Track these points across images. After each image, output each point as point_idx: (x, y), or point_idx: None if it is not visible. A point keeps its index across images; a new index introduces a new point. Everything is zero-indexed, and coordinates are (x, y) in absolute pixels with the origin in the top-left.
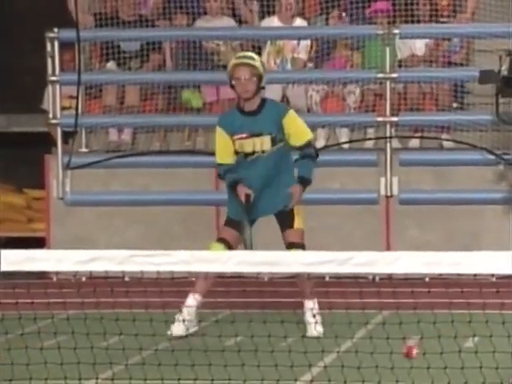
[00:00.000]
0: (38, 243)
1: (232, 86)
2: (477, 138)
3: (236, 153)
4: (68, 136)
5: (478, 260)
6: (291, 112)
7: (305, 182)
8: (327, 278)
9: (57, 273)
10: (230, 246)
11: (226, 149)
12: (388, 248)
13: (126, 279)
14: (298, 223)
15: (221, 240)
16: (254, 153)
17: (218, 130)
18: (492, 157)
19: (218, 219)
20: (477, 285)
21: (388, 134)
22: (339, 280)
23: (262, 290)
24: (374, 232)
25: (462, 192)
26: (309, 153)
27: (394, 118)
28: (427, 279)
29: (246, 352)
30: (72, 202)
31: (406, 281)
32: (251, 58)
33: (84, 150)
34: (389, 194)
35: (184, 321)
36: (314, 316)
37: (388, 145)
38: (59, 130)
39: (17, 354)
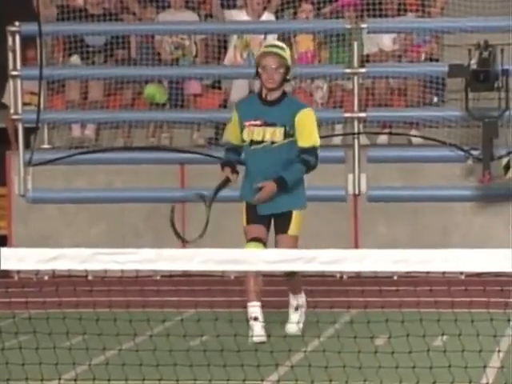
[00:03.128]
0: (0, 241)
1: (257, 74)
2: (445, 134)
3: (243, 141)
4: (30, 132)
5: (447, 258)
6: (307, 111)
7: (282, 183)
8: None
9: (18, 271)
10: (264, 243)
11: (234, 130)
12: (356, 246)
13: (90, 278)
14: (293, 230)
15: (253, 239)
16: (262, 142)
17: (234, 111)
18: (461, 153)
19: (184, 216)
20: (445, 283)
21: (356, 130)
22: (306, 278)
23: (228, 289)
24: (341, 230)
25: (430, 189)
26: (306, 159)
27: (362, 114)
28: (395, 277)
29: (212, 352)
30: (34, 200)
31: (374, 279)
32: (281, 47)
33: (46, 146)
34: (357, 191)
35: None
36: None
37: (356, 141)
38: (21, 126)
39: None
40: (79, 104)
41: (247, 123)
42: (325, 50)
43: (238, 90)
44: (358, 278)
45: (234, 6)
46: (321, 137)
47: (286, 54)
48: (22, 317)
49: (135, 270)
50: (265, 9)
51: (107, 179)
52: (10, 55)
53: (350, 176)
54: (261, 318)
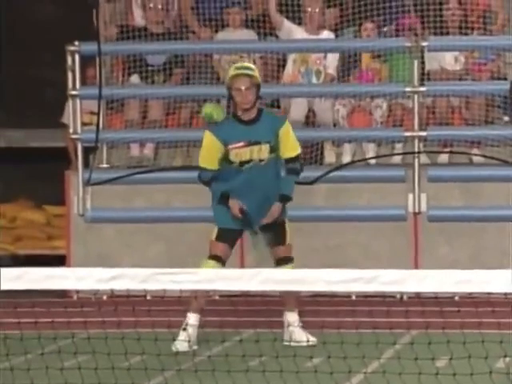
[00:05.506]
0: (58, 261)
1: (230, 97)
2: (508, 153)
3: (230, 162)
4: (89, 151)
5: (509, 278)
6: (287, 123)
7: (286, 199)
8: (354, 297)
9: (77, 291)
10: (223, 263)
11: (212, 154)
12: (416, 266)
13: (148, 298)
14: (289, 239)
15: (214, 257)
16: (250, 161)
17: (209, 135)
18: None
19: (242, 242)
20: (508, 304)
21: (416, 149)
22: (366, 299)
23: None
24: (401, 249)
25: (492, 209)
26: (294, 167)
27: (423, 133)
28: (457, 298)
29: (271, 372)
30: (93, 219)
31: (434, 300)
32: (250, 68)
33: (105, 165)
34: (417, 210)
35: (189, 341)
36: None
37: (416, 160)
38: (80, 146)
39: (36, 375)
40: (138, 123)
41: (231, 147)
42: (385, 69)
43: (298, 108)
44: (418, 299)
45: (299, 23)
46: (381, 156)
47: (256, 73)
48: (81, 337)
49: (194, 290)
50: (324, 27)
51: (166, 199)
52: (70, 75)
53: (411, 195)
54: (190, 330)
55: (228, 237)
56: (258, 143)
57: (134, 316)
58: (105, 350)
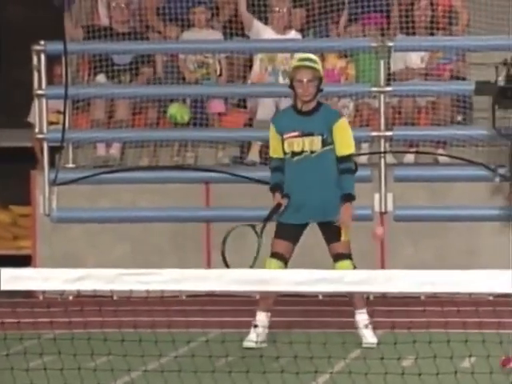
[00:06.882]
0: (24, 261)
1: (292, 87)
2: (473, 153)
3: (285, 153)
4: (55, 151)
5: (475, 279)
6: (343, 120)
7: (349, 197)
8: (320, 297)
9: (43, 292)
10: (284, 260)
11: (273, 143)
12: (382, 266)
13: (115, 298)
14: (344, 235)
15: (275, 255)
16: (302, 152)
17: (271, 126)
18: (488, 172)
19: (209, 236)
20: (473, 303)
21: (382, 149)
22: (333, 299)
23: (254, 309)
24: (367, 249)
25: (458, 208)
26: (348, 167)
27: (389, 133)
28: (423, 298)
29: (237, 373)
30: (58, 219)
31: (401, 299)
32: (313, 60)
33: (71, 165)
34: (383, 210)
35: (257, 342)
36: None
37: (382, 160)
38: (46, 145)
39: (2, 375)
40: (104, 123)
41: (286, 136)
42: (351, 68)
43: (265, 108)
44: (384, 298)
45: (266, 23)
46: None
47: (319, 65)
48: (47, 337)
49: (160, 291)
50: (291, 27)
51: (132, 199)
52: (36, 74)
53: (377, 195)
54: (261, 329)
55: (286, 233)
56: (310, 134)
57: (100, 316)
58: (71, 351)
